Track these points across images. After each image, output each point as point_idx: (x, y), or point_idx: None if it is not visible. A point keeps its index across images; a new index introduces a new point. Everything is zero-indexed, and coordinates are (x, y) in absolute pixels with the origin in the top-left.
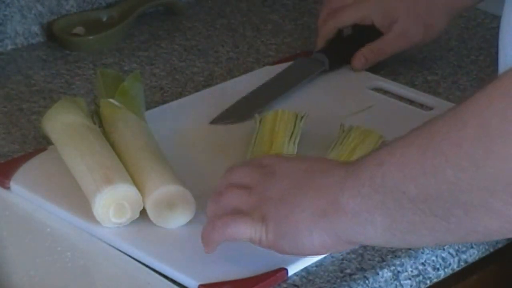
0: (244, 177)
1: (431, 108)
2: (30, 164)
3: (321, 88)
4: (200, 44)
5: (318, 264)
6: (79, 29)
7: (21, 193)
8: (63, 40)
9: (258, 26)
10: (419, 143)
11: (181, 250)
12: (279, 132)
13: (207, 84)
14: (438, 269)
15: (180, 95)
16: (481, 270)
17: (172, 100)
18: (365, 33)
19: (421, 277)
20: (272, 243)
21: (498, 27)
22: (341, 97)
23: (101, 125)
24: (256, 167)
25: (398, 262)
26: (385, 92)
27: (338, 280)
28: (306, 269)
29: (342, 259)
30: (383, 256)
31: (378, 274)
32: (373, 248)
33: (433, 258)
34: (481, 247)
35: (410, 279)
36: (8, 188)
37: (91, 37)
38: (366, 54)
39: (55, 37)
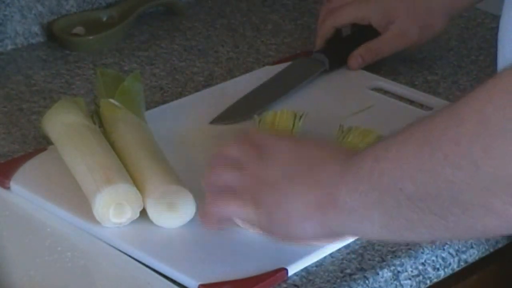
0: (238, 154)
1: (431, 108)
2: (30, 164)
3: (321, 88)
4: (200, 44)
5: (318, 264)
6: (79, 29)
7: (21, 193)
8: (63, 40)
9: (258, 26)
10: (417, 140)
11: (181, 250)
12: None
13: (207, 84)
14: (438, 269)
15: (180, 95)
16: (481, 270)
17: (172, 100)
18: (365, 33)
19: (421, 277)
20: (264, 228)
21: (498, 27)
22: (341, 97)
23: (101, 125)
24: (252, 146)
25: (398, 262)
26: (385, 92)
27: (338, 280)
28: (306, 269)
29: (342, 259)
30: (383, 256)
31: (378, 274)
32: (373, 248)
33: (433, 258)
34: (481, 247)
35: (410, 279)
36: (8, 188)
37: (91, 37)
38: (362, 53)
39: (55, 37)
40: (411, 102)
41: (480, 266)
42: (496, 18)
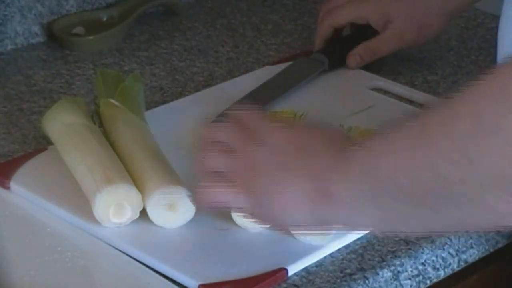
0: (228, 137)
1: None
2: (30, 164)
3: (321, 88)
4: (200, 44)
5: (318, 264)
6: (79, 29)
7: (21, 193)
8: (63, 40)
9: (258, 26)
10: (412, 135)
11: (181, 250)
12: None
13: (207, 84)
14: (438, 269)
15: (180, 95)
16: (481, 270)
17: (172, 100)
18: (364, 33)
19: (421, 277)
20: (255, 215)
21: (498, 27)
22: (341, 97)
23: (101, 125)
24: (242, 128)
25: (398, 262)
26: (385, 92)
27: (338, 280)
28: (306, 269)
29: (342, 259)
30: (383, 256)
31: (378, 274)
32: (373, 248)
33: (433, 258)
34: (481, 247)
35: (410, 279)
36: (8, 188)
37: (91, 37)
38: (361, 52)
39: (55, 37)
40: (411, 102)
41: (480, 266)
42: (496, 18)
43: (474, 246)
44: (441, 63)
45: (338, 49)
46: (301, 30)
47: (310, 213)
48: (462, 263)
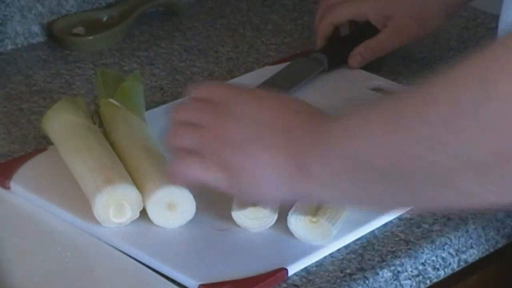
0: (195, 113)
1: None
2: (30, 164)
3: (321, 88)
4: (200, 44)
5: (318, 264)
6: (79, 29)
7: (21, 193)
8: (63, 40)
9: (258, 26)
10: (388, 116)
11: (181, 250)
12: None
13: None
14: (438, 269)
15: (180, 95)
16: (481, 270)
17: (172, 100)
18: (364, 32)
19: (421, 277)
20: (231, 191)
21: (498, 27)
22: (340, 97)
23: (101, 125)
24: (208, 102)
25: (398, 262)
26: (385, 92)
27: (338, 280)
28: (306, 269)
29: (342, 259)
30: (383, 256)
31: (378, 274)
32: (373, 248)
33: (433, 258)
34: (481, 247)
35: (410, 279)
36: (8, 188)
37: (91, 37)
38: (362, 51)
39: (55, 37)
40: None
41: (480, 266)
42: (496, 18)
43: (474, 246)
44: (441, 63)
45: (337, 49)
46: (301, 30)
47: (286, 187)
48: (462, 263)
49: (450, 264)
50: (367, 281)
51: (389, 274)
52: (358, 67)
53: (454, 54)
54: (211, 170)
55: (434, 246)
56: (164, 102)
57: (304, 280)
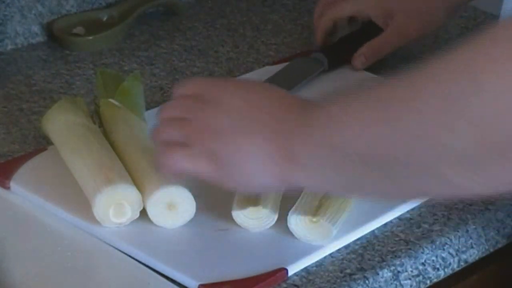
0: (181, 110)
1: None
2: (30, 164)
3: (321, 88)
4: (200, 44)
5: (318, 264)
6: (79, 29)
7: (21, 193)
8: (63, 40)
9: (258, 26)
10: (377, 108)
11: (181, 250)
12: None
13: None
14: (438, 269)
15: None
16: (481, 270)
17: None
18: (364, 33)
19: (421, 277)
20: (219, 180)
21: None
22: None
23: (101, 125)
24: (192, 97)
25: (398, 262)
26: None
27: (338, 280)
28: (306, 269)
29: (342, 259)
30: (383, 256)
31: (378, 274)
32: (373, 248)
33: (433, 258)
34: (481, 247)
35: (410, 279)
36: (8, 188)
37: (91, 37)
38: (365, 52)
39: (55, 37)
40: None
41: (480, 266)
42: (496, 18)
43: (474, 246)
44: None
45: (337, 49)
46: (301, 30)
47: (274, 176)
48: (462, 263)
49: (450, 264)
50: (367, 281)
51: (389, 274)
52: (362, 68)
53: None
54: (199, 160)
55: (434, 246)
56: (164, 102)
57: (304, 280)
